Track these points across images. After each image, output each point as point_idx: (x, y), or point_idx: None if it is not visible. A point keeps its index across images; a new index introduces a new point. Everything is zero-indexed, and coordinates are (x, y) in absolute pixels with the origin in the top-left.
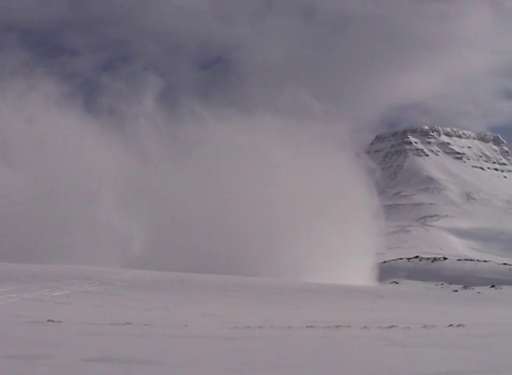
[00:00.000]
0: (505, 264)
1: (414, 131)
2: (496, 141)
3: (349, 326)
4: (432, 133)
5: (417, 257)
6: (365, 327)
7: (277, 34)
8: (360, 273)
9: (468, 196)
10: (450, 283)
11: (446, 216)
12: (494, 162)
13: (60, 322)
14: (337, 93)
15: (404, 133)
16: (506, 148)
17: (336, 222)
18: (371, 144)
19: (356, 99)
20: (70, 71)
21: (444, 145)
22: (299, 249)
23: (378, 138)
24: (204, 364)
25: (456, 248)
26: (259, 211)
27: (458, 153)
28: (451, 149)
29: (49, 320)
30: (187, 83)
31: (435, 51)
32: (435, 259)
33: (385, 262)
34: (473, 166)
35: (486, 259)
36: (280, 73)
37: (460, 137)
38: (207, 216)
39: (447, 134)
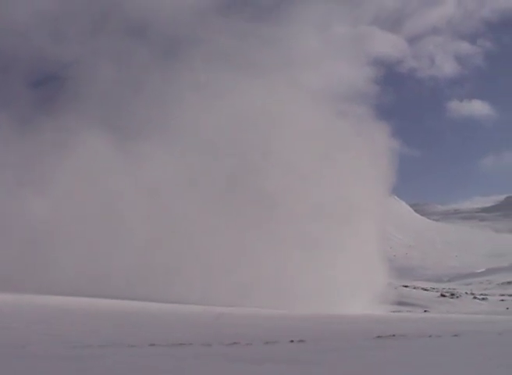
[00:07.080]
0: None
1: None
2: None
3: (191, 344)
4: None
5: None
6: (208, 345)
7: (111, 53)
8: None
9: None
10: None
11: None
12: None
13: None
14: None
15: None
16: None
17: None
18: None
19: (190, 120)
20: None
21: None
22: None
23: None
24: None
25: None
26: None
27: None
28: None
29: None
30: (19, 102)
31: (268, 72)
32: None
33: None
34: None
35: None
36: (116, 90)
37: None
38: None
39: None
